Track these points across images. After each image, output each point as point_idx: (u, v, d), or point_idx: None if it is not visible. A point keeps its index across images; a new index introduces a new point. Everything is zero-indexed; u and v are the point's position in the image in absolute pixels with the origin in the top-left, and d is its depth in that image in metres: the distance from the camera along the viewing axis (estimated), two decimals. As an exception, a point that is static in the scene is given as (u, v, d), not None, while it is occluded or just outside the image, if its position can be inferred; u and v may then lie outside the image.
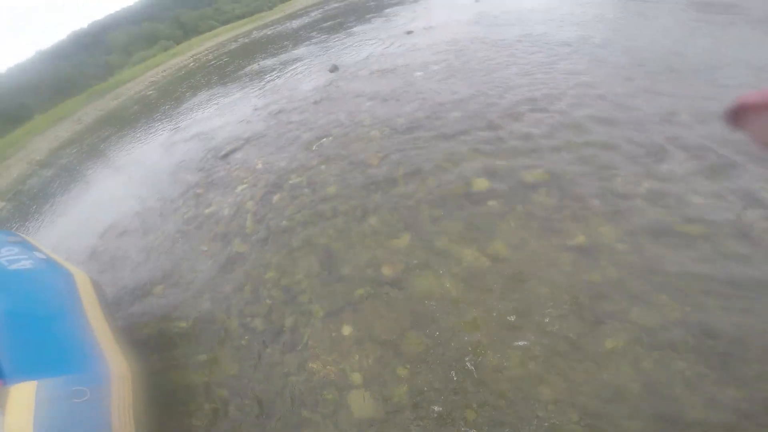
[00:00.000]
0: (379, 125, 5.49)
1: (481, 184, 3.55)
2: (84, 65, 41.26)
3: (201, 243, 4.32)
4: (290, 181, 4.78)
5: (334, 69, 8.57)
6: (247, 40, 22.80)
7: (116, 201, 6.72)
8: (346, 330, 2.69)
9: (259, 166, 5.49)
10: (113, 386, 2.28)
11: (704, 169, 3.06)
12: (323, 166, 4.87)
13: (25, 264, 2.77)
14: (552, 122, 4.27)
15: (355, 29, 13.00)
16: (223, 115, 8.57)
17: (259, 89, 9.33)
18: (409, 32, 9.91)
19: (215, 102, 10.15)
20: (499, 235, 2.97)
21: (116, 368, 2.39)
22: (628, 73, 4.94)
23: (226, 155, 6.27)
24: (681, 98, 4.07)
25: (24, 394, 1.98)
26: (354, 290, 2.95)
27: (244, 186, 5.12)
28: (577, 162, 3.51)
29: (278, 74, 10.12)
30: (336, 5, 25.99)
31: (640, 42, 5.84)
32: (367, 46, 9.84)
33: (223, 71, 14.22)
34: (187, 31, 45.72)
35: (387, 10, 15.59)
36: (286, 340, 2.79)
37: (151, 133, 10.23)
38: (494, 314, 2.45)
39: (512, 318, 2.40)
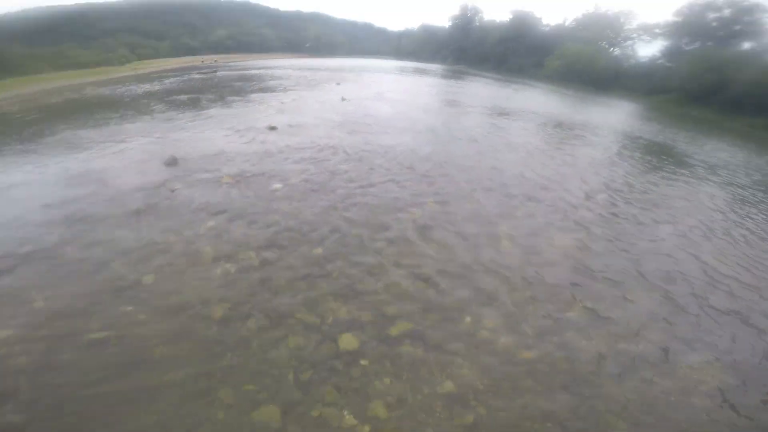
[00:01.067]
0: (223, 258, 4.27)
1: (350, 342, 3.26)
2: None
3: None
4: (81, 342, 3.07)
5: (172, 162, 7.00)
6: (75, 96, 18.76)
7: None
8: None
9: (40, 305, 3.43)
10: None
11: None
12: (142, 316, 3.38)
13: None
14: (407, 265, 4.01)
15: (210, 111, 11.74)
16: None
17: (63, 171, 6.83)
18: (272, 128, 9.24)
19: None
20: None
21: None
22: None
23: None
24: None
25: None
26: None
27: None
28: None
29: (95, 153, 7.84)
30: (197, 77, 24.42)
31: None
32: (220, 137, 8.65)
33: (23, 131, 10.72)
34: (6, 68, 36.16)
35: (253, 95, 14.98)
36: None
37: None
38: None
39: None
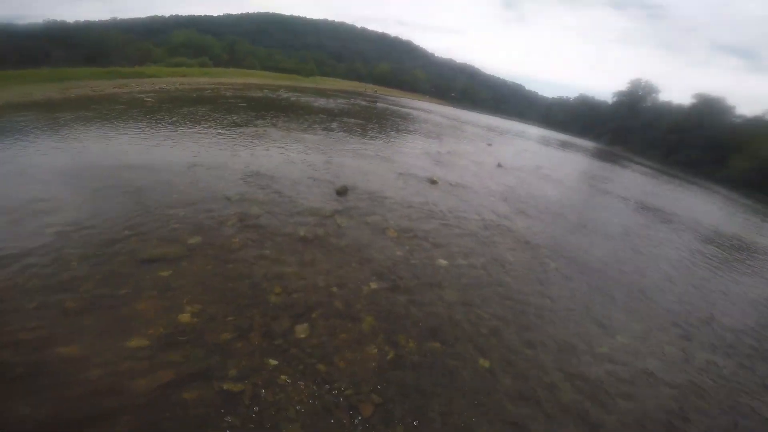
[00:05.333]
0: (383, 333, 3.25)
1: None
2: (129, 44, 37.98)
3: None
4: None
5: (342, 192, 6.42)
6: (272, 95, 21.23)
7: None
8: None
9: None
10: None
11: None
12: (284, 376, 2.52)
13: None
14: None
15: (375, 144, 11.50)
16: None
17: (244, 163, 6.84)
18: (433, 182, 8.25)
19: (191, 152, 7.39)
20: None
21: None
22: None
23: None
24: None
25: None
26: None
27: None
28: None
29: (273, 150, 7.87)
30: (362, 103, 25.84)
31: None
32: (384, 177, 7.98)
33: (228, 115, 11.93)
34: (232, 60, 44.65)
35: (410, 136, 14.65)
36: None
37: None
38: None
39: None
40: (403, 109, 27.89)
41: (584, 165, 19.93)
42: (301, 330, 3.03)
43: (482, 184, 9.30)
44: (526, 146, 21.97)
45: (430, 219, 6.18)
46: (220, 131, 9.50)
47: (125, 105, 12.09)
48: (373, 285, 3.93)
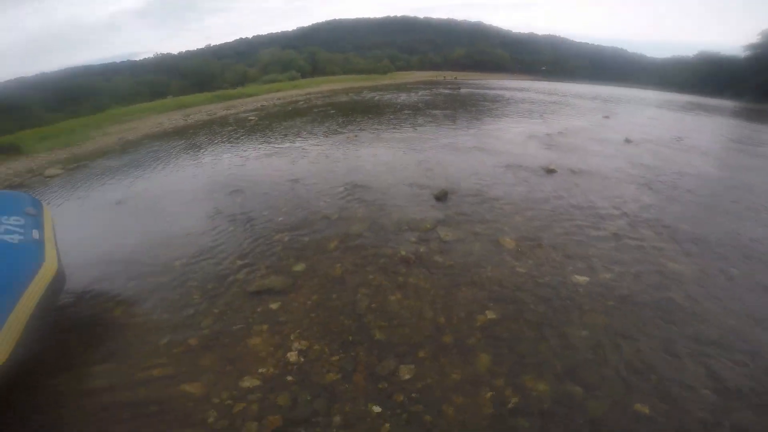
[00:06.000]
0: (502, 373, 2.62)
1: None
2: (227, 68, 43.69)
3: None
4: None
5: (442, 196, 5.72)
6: (357, 98, 21.58)
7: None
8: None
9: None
10: None
11: None
12: None
13: (10, 238, 2.87)
14: None
15: (469, 133, 10.44)
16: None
17: (341, 184, 6.67)
18: (550, 171, 6.94)
19: (286, 161, 7.59)
20: None
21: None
22: None
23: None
24: None
25: None
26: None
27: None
28: None
29: (370, 166, 7.51)
30: (444, 91, 24.53)
31: None
32: (489, 171, 7.00)
33: (321, 123, 12.27)
34: (315, 69, 47.49)
35: (506, 119, 13.07)
36: None
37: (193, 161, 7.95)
38: None
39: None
40: (492, 91, 25.66)
41: (732, 129, 15.27)
42: (406, 371, 2.61)
43: (612, 166, 7.54)
44: (650, 114, 17.88)
45: (556, 220, 5.05)
46: (316, 142, 9.70)
47: (233, 126, 13.40)
48: (490, 314, 3.19)
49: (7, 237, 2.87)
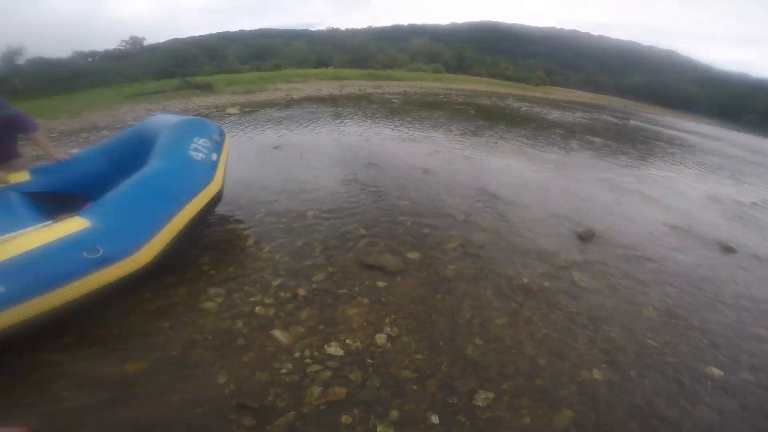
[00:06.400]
0: None
1: None
2: (381, 50, 46.69)
3: None
4: None
5: (587, 237, 4.83)
6: (500, 104, 20.41)
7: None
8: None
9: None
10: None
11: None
12: None
13: (195, 155, 3.29)
14: None
15: (634, 173, 8.64)
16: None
17: (473, 188, 6.24)
18: (728, 249, 5.22)
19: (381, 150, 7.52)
20: None
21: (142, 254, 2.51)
22: None
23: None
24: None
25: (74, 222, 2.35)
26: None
27: None
28: None
29: (506, 179, 6.85)
30: (608, 119, 21.21)
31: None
32: (646, 227, 5.62)
33: (460, 121, 11.93)
34: (460, 66, 46.89)
35: (685, 169, 10.47)
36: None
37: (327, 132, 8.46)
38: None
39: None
40: (669, 131, 21.19)
41: None
42: (483, 396, 2.31)
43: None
44: None
45: (717, 307, 3.73)
46: (453, 138, 9.43)
47: (378, 104, 14.09)
48: (597, 374, 2.59)
49: (194, 154, 3.28)
